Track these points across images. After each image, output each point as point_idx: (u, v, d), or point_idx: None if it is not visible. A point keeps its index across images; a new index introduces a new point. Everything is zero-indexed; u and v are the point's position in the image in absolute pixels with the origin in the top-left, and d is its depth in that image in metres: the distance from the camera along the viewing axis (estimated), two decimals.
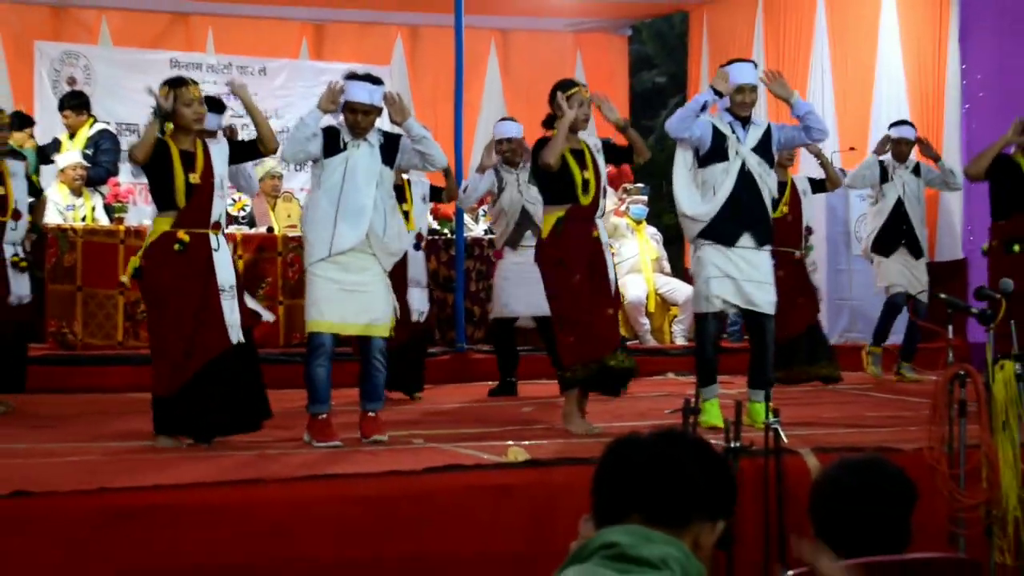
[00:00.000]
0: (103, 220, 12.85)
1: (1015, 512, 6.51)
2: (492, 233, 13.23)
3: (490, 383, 11.46)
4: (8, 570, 5.51)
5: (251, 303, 9.35)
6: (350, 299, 8.12)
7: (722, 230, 8.87)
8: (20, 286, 9.80)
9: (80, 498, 5.95)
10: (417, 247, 10.67)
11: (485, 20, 16.79)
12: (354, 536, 6.24)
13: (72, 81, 15.51)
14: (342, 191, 8.10)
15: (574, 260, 8.61)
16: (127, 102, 15.56)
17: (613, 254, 14.70)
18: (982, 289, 7.17)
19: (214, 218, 7.91)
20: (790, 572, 2.98)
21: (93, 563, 5.69)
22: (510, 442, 7.66)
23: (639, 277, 14.54)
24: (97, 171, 13.05)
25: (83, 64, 15.91)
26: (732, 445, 6.31)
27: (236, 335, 7.82)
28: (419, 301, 10.70)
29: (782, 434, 6.66)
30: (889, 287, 12.30)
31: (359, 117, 8.20)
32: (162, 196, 7.88)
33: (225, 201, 8.00)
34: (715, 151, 8.94)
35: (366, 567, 6.18)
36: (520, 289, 11.00)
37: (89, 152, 13.16)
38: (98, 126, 13.55)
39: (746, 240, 8.89)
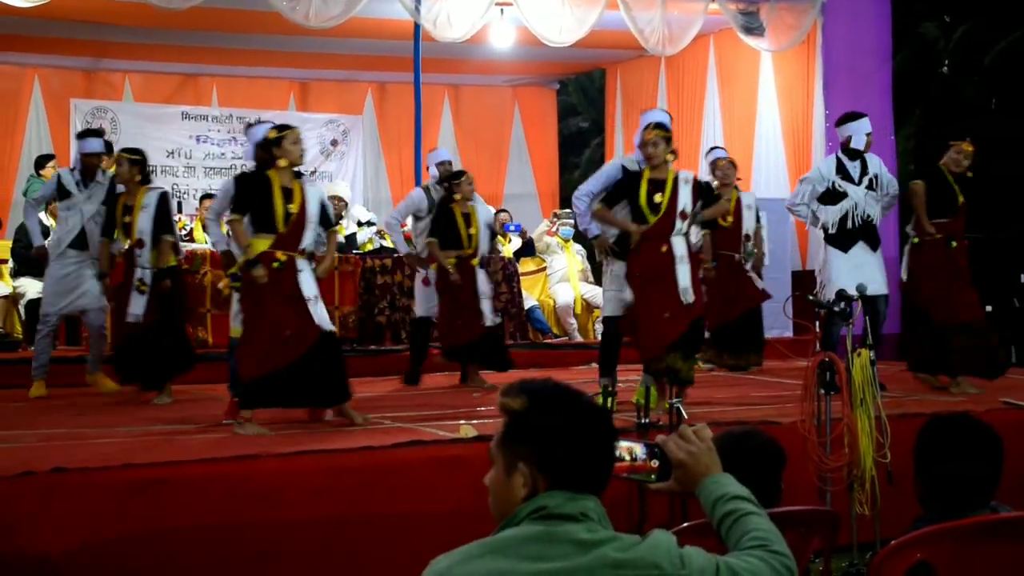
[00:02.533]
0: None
1: (871, 472, 6.55)
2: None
3: (449, 375, 11.29)
4: (48, 531, 5.47)
5: None
6: None
7: (623, 254, 8.75)
8: (136, 306, 9.26)
9: (108, 473, 5.91)
10: (481, 266, 10.49)
11: (439, 77, 16.74)
12: (336, 498, 6.23)
13: (102, 131, 15.38)
14: None
15: (646, 273, 8.45)
16: (147, 147, 15.32)
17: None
18: (842, 291, 7.20)
19: (303, 245, 7.77)
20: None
21: (119, 525, 5.65)
22: (462, 422, 7.64)
23: (567, 285, 14.53)
24: None
25: (110, 117, 15.83)
26: (642, 421, 6.31)
27: (328, 326, 7.70)
28: (488, 308, 10.46)
29: (683, 411, 6.68)
30: None
31: None
32: (262, 221, 7.71)
33: (314, 233, 7.83)
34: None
35: (346, 523, 6.18)
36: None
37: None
38: None
39: None
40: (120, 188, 9.66)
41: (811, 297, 7.27)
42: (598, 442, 2.68)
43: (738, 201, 11.48)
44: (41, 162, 13.65)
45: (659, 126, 8.57)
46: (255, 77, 17.13)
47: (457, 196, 10.36)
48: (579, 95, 25.47)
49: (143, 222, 9.36)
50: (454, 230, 10.34)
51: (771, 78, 14.82)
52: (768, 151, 14.77)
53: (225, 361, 8.62)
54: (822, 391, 6.44)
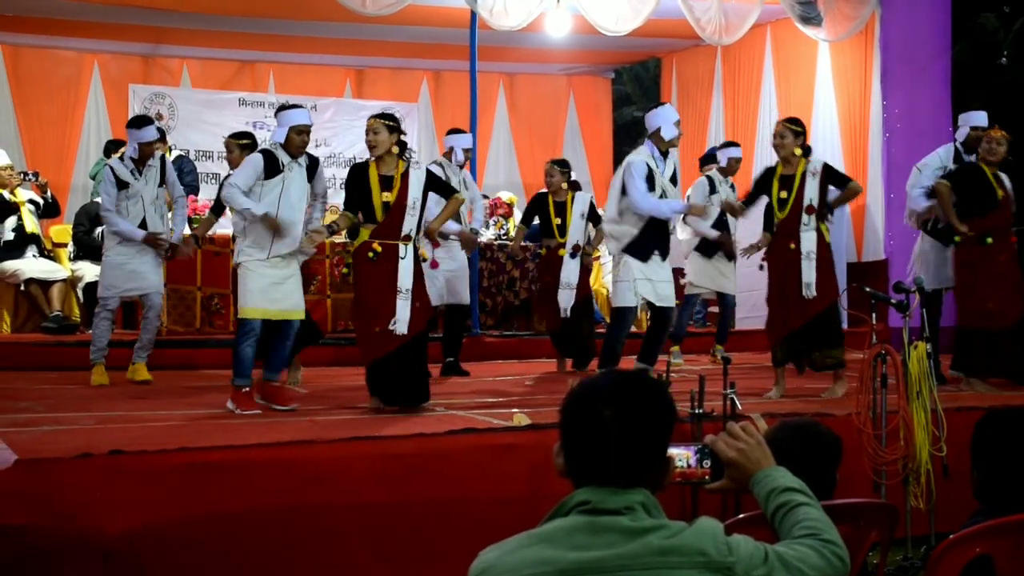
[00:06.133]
0: (185, 230, 12.78)
1: (926, 466, 6.51)
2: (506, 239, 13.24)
3: (499, 362, 11.26)
4: (107, 513, 5.51)
5: None
6: (277, 290, 8.10)
7: (640, 248, 9.03)
8: None
9: (164, 456, 5.94)
10: (573, 255, 10.57)
11: (495, 66, 16.76)
12: (388, 485, 6.24)
13: (159, 117, 15.51)
14: (279, 207, 8.08)
15: (773, 266, 8.97)
16: (204, 133, 15.69)
17: (598, 257, 14.81)
18: (899, 284, 7.17)
19: (404, 232, 7.84)
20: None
21: (174, 507, 5.69)
22: (515, 410, 7.64)
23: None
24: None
25: (168, 103, 15.93)
26: (696, 411, 6.29)
27: (402, 328, 7.74)
28: (566, 299, 10.68)
29: (737, 402, 6.66)
30: (688, 286, 12.06)
31: (306, 137, 8.26)
32: (364, 211, 7.93)
33: (416, 218, 7.88)
34: (647, 183, 8.97)
35: (398, 508, 6.18)
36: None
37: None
38: (176, 152, 13.51)
39: (655, 256, 9.06)
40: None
41: (868, 289, 7.21)
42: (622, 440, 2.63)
43: None
44: (114, 147, 13.72)
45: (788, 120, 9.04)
46: (312, 64, 17.20)
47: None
48: (634, 84, 25.35)
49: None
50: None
51: (828, 68, 14.72)
52: (825, 141, 14.66)
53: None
54: (878, 383, 6.40)
